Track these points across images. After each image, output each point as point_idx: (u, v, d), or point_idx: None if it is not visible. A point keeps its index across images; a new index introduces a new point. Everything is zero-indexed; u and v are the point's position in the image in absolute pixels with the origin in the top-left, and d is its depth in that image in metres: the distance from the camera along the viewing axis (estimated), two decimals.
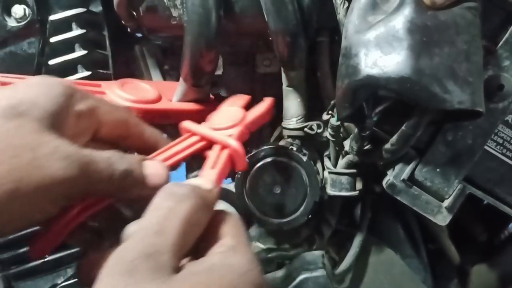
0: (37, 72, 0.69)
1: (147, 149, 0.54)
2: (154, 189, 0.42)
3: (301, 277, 0.66)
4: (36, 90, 0.44)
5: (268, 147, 0.70)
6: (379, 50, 0.52)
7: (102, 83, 0.65)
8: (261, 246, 0.77)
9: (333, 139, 0.67)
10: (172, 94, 0.70)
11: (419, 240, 0.83)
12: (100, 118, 0.50)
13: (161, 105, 0.67)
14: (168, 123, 0.68)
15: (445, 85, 0.50)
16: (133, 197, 0.46)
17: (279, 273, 0.71)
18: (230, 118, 0.62)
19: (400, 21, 0.52)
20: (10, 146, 0.39)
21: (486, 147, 0.61)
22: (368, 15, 0.55)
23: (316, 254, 0.69)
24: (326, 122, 0.69)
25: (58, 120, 0.44)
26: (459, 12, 0.52)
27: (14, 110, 0.41)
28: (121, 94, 0.63)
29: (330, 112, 0.66)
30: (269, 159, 0.69)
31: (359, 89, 0.53)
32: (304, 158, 0.69)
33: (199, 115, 0.66)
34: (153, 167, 0.47)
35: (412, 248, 0.83)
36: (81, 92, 0.48)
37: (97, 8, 0.73)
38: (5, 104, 0.41)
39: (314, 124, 0.71)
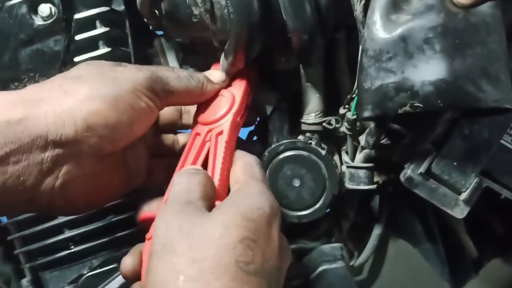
0: (62, 69, 0.70)
1: None
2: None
3: (320, 268, 0.67)
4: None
5: (287, 141, 0.71)
6: (412, 54, 0.54)
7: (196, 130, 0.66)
8: None
9: (350, 133, 0.68)
10: None
11: (436, 234, 0.83)
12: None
13: (241, 91, 0.66)
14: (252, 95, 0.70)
15: (479, 84, 0.52)
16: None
17: (298, 264, 0.72)
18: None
19: (431, 25, 0.53)
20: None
21: (502, 141, 0.62)
22: (391, 13, 0.56)
23: (335, 246, 0.70)
24: (342, 116, 0.70)
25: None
26: (488, 11, 0.53)
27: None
28: (218, 116, 0.63)
29: (346, 106, 0.67)
30: (288, 153, 0.71)
31: (393, 94, 0.54)
32: (323, 152, 0.70)
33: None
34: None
35: (430, 241, 0.83)
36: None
37: (119, 7, 0.75)
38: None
39: (332, 119, 0.72)
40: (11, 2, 0.68)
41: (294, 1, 0.61)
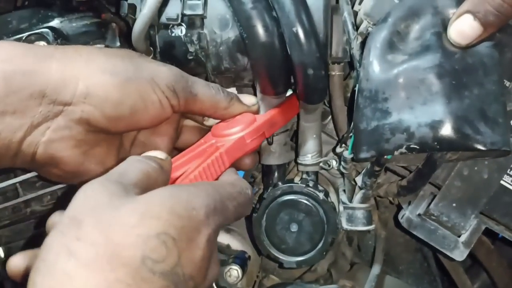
0: None
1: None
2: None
3: None
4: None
5: (284, 185, 0.70)
6: (408, 94, 0.53)
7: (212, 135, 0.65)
8: (276, 279, 0.76)
9: (347, 172, 0.67)
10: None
11: (436, 274, 0.82)
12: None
13: (264, 118, 0.66)
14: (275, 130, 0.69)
15: (476, 126, 0.50)
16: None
17: None
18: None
19: (427, 65, 0.52)
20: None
21: (502, 181, 0.60)
22: (387, 53, 0.55)
23: None
24: (339, 155, 0.69)
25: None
26: (486, 51, 0.53)
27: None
28: (230, 131, 0.63)
29: (343, 145, 0.66)
30: (285, 197, 0.70)
31: (389, 135, 0.53)
32: (321, 195, 0.69)
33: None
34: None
35: (429, 282, 0.82)
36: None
37: (114, 44, 0.75)
38: None
39: (329, 160, 0.71)
40: None
41: (299, 36, 0.61)
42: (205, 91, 0.60)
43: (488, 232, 0.79)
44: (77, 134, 0.53)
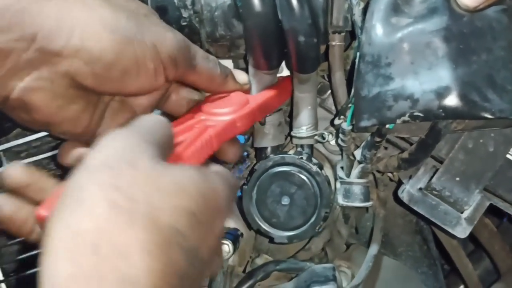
0: None
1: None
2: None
3: None
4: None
5: (276, 156, 0.67)
6: (412, 59, 0.50)
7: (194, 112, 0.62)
8: (269, 258, 0.74)
9: (345, 146, 0.64)
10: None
11: (436, 257, 0.79)
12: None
13: (257, 101, 0.63)
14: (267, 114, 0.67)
15: (484, 93, 0.48)
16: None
17: (289, 285, 0.67)
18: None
19: (433, 29, 0.49)
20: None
21: (508, 155, 0.58)
22: (391, 16, 0.52)
23: (327, 267, 0.65)
24: (337, 129, 0.66)
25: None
26: (495, 16, 0.50)
27: None
28: (221, 111, 0.59)
29: (341, 116, 0.63)
30: (277, 169, 0.67)
31: (391, 102, 0.50)
32: (314, 168, 0.66)
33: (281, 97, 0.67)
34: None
35: (428, 266, 0.79)
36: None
37: None
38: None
39: (325, 132, 0.69)
40: None
41: (290, 0, 0.58)
42: (204, 64, 0.57)
43: (492, 214, 0.78)
44: (57, 88, 0.49)
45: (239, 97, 0.61)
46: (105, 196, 0.34)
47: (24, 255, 0.69)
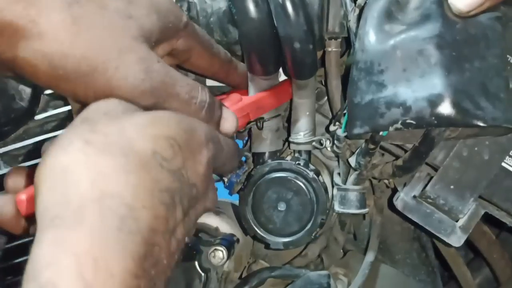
0: None
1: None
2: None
3: None
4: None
5: (273, 162, 0.67)
6: (405, 66, 0.50)
7: None
8: (265, 264, 0.73)
9: (340, 152, 0.63)
10: None
11: (434, 264, 0.79)
12: (192, 58, 0.55)
13: (251, 99, 0.64)
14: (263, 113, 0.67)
15: (477, 101, 0.47)
16: None
17: None
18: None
19: (426, 36, 0.49)
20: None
21: (503, 163, 0.57)
22: (384, 23, 0.52)
23: (322, 274, 0.65)
24: (333, 135, 0.66)
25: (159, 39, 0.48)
26: (489, 23, 0.50)
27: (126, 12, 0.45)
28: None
29: (337, 123, 0.62)
30: (274, 175, 0.67)
31: (384, 110, 0.50)
32: (311, 174, 0.66)
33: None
34: (228, 114, 0.53)
35: (427, 273, 0.78)
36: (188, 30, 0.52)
37: None
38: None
39: (322, 138, 0.68)
40: None
41: (286, 7, 0.58)
42: (205, 39, 0.56)
43: (492, 225, 0.77)
44: None
45: (232, 97, 0.62)
46: (80, 136, 0.37)
47: (10, 244, 0.69)
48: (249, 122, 0.68)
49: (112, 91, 0.43)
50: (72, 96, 0.46)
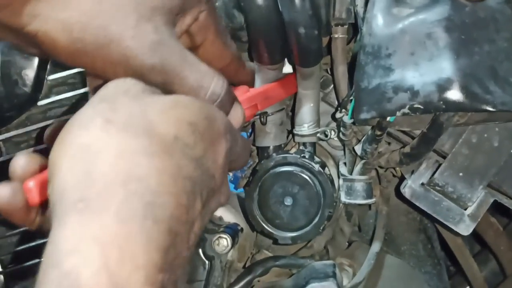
0: None
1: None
2: None
3: (309, 286, 0.61)
4: None
5: (278, 156, 0.66)
6: (413, 50, 0.49)
7: None
8: (269, 254, 0.73)
9: (346, 140, 0.62)
10: None
11: (440, 256, 0.78)
12: (206, 43, 0.53)
13: (257, 90, 0.63)
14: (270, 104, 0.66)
15: (486, 85, 0.47)
16: None
17: (288, 281, 0.66)
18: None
19: (435, 19, 0.49)
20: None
21: None
22: (392, 7, 0.52)
23: (327, 264, 0.64)
24: (338, 124, 0.65)
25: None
26: (498, 7, 0.49)
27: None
28: None
29: (343, 110, 0.61)
30: (279, 169, 0.66)
31: (391, 94, 0.49)
32: (317, 167, 0.65)
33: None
34: (237, 108, 0.50)
35: (432, 265, 0.77)
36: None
37: None
38: None
39: (327, 129, 0.67)
40: None
41: None
42: (218, 25, 0.53)
43: (500, 215, 0.76)
44: None
45: (239, 88, 0.61)
46: (100, 114, 0.35)
47: (22, 247, 0.68)
48: (256, 115, 0.68)
49: (127, 62, 0.43)
50: (91, 69, 0.45)
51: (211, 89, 0.46)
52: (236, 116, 0.50)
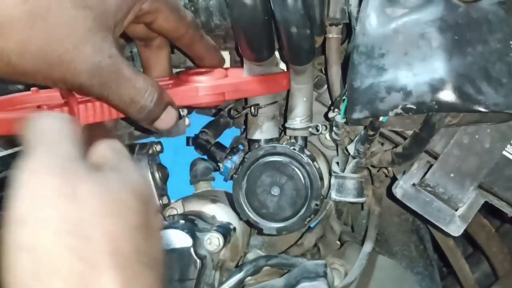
0: None
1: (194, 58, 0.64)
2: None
3: (299, 285, 0.61)
4: None
5: (267, 145, 0.66)
6: (406, 50, 0.49)
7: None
8: (261, 253, 0.72)
9: (339, 139, 0.63)
10: None
11: (432, 257, 0.78)
12: (158, 20, 0.56)
13: (232, 80, 0.63)
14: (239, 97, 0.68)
15: (479, 86, 0.47)
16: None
17: (279, 281, 0.66)
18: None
19: (428, 19, 0.49)
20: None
21: (504, 152, 0.56)
22: (386, 6, 0.52)
23: (318, 263, 0.64)
24: (331, 123, 0.65)
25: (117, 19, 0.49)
26: (491, 8, 0.49)
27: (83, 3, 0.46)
28: (201, 79, 0.62)
29: (336, 109, 0.61)
30: (268, 159, 0.66)
31: (384, 94, 0.49)
32: (306, 159, 0.65)
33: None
34: (167, 116, 0.55)
35: (424, 266, 0.78)
36: None
37: None
38: None
39: (319, 124, 0.67)
40: None
41: None
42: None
43: (493, 217, 0.76)
44: None
45: (218, 72, 0.63)
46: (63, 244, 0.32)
47: None
48: (244, 108, 0.68)
49: (66, 81, 0.46)
50: (32, 82, 0.48)
51: (141, 104, 0.51)
52: (166, 118, 0.55)
